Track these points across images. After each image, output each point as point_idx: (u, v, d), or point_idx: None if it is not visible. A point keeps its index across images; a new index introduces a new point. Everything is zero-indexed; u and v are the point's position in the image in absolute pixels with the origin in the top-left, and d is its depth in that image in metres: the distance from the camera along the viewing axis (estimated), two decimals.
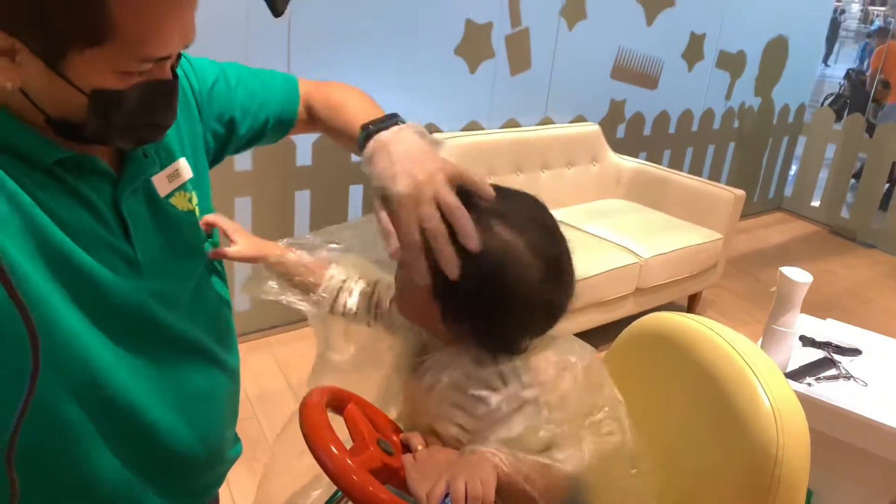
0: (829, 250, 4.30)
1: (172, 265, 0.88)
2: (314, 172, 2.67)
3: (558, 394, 0.85)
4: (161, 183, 0.88)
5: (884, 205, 4.44)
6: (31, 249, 0.72)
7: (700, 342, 1.01)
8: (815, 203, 4.82)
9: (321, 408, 0.87)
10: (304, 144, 2.61)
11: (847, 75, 6.35)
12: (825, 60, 6.30)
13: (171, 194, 0.89)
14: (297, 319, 2.80)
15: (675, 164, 4.06)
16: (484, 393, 0.84)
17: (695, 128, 4.11)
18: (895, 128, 4.32)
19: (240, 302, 2.66)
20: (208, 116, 0.96)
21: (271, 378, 2.48)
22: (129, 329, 0.83)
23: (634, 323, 1.10)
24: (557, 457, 0.81)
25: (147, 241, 0.85)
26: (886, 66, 4.64)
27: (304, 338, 2.73)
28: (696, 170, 4.20)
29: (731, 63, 4.14)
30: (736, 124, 4.34)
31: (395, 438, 0.93)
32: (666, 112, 3.91)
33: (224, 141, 0.99)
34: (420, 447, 0.88)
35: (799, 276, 1.49)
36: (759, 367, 0.95)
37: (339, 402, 0.90)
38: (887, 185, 4.41)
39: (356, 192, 2.79)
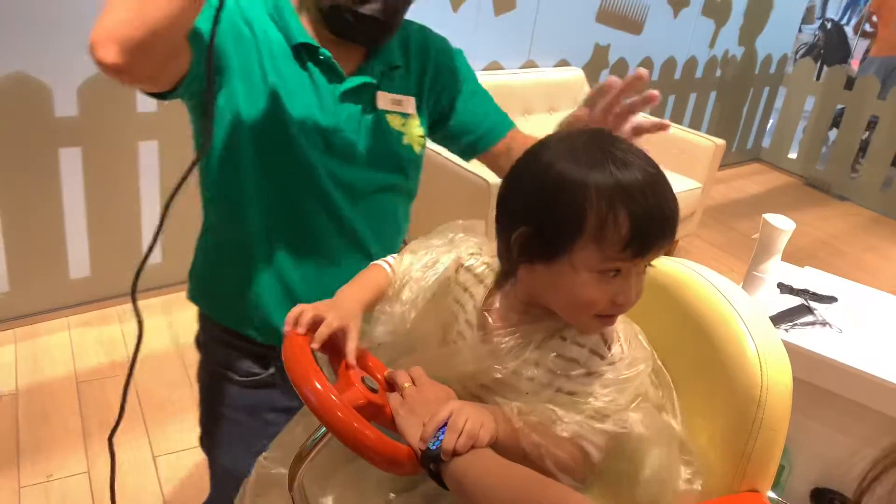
0: (804, 202, 4.34)
1: (363, 163, 1.05)
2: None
3: (627, 366, 0.84)
4: (384, 100, 1.06)
5: (858, 158, 4.48)
6: (249, 75, 0.98)
7: (686, 286, 1.01)
8: (793, 155, 4.85)
9: (304, 343, 0.85)
10: None
11: (822, 26, 6.29)
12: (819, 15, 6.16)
13: (389, 112, 1.06)
14: None
15: (657, 112, 4.03)
16: (577, 350, 0.83)
17: (677, 76, 4.07)
18: (874, 80, 4.32)
19: None
20: (439, 93, 1.15)
21: None
22: (297, 188, 1.03)
23: None
24: (599, 438, 0.80)
25: (348, 132, 1.03)
26: (882, 11, 4.58)
27: None
28: (677, 118, 4.18)
29: (717, 11, 4.09)
30: (718, 73, 4.31)
31: (378, 376, 0.91)
32: (650, 58, 3.86)
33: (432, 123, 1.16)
34: (407, 385, 0.87)
35: (781, 223, 1.49)
36: (745, 311, 0.94)
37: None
38: (865, 135, 4.43)
39: None
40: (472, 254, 0.94)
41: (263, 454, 0.98)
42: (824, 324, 1.57)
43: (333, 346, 0.89)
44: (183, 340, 2.30)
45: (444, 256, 0.95)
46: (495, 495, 0.67)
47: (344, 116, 1.04)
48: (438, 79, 1.15)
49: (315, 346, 0.86)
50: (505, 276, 0.89)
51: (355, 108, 1.05)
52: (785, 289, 1.70)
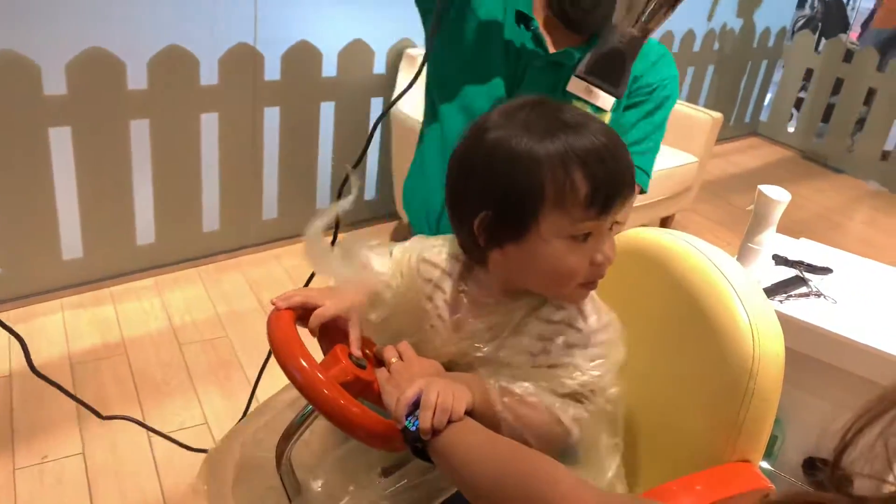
0: (801, 175, 4.32)
1: None
2: (283, 88, 2.57)
3: (606, 343, 0.84)
4: (576, 85, 1.08)
5: (855, 131, 4.45)
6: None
7: (680, 257, 1.00)
8: (791, 128, 4.81)
9: (290, 320, 0.84)
10: (272, 57, 2.50)
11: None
12: None
13: (576, 97, 1.09)
14: (268, 240, 2.75)
15: None
16: (574, 323, 0.83)
17: (675, 49, 4.03)
18: (873, 53, 4.28)
19: (208, 221, 2.60)
20: (636, 91, 1.21)
21: (242, 298, 2.45)
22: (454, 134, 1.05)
23: None
24: (578, 410, 0.80)
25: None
26: None
27: (275, 258, 2.69)
28: None
29: None
30: (716, 46, 4.26)
31: (367, 352, 0.90)
32: None
33: None
34: (394, 360, 0.86)
35: (777, 194, 1.47)
36: (738, 282, 0.94)
37: (308, 314, 0.87)
38: (864, 109, 4.40)
39: (327, 110, 2.70)
40: (433, 246, 0.94)
41: (249, 435, 0.97)
42: (819, 295, 1.57)
43: (327, 334, 0.88)
44: (177, 321, 2.29)
45: (397, 252, 0.95)
46: (482, 469, 0.67)
47: (528, 82, 1.16)
48: (636, 91, 1.21)
49: (312, 326, 0.85)
50: (475, 264, 0.88)
51: (545, 79, 1.16)
52: (780, 260, 1.69)
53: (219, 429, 1.87)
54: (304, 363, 0.78)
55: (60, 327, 2.18)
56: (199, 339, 2.22)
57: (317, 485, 0.89)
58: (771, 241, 1.60)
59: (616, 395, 0.83)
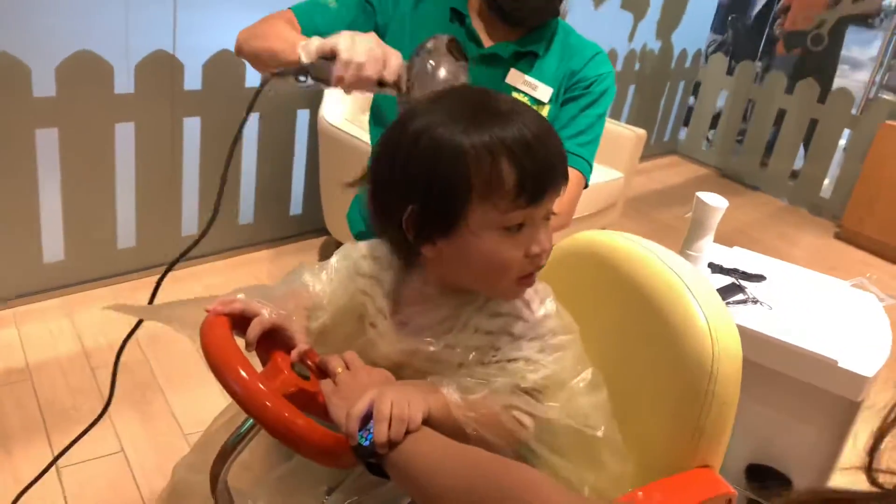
0: (719, 192, 4.41)
1: None
2: (204, 97, 2.45)
3: (559, 338, 0.80)
4: (515, 77, 1.13)
5: (768, 150, 4.64)
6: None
7: (631, 259, 0.97)
8: (707, 148, 4.99)
9: (226, 327, 0.76)
10: (193, 66, 2.38)
11: (731, 23, 6.49)
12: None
13: (516, 89, 1.13)
14: (187, 257, 2.60)
15: None
16: (521, 315, 0.80)
17: None
18: (781, 76, 4.49)
19: (123, 237, 2.44)
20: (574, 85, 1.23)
21: None
22: None
23: (561, 243, 1.05)
24: (537, 405, 0.76)
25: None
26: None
27: (195, 277, 2.55)
28: None
29: (636, 4, 4.15)
30: (637, 66, 4.38)
31: (310, 363, 0.83)
32: None
33: None
34: (340, 370, 0.79)
35: (715, 200, 1.48)
36: (693, 283, 0.91)
37: (245, 322, 0.80)
38: (773, 130, 4.60)
39: (252, 121, 2.60)
40: (367, 247, 0.89)
41: (181, 459, 0.88)
42: (756, 301, 1.58)
43: (264, 345, 0.80)
44: (89, 343, 2.12)
45: (332, 260, 0.90)
46: (449, 481, 0.60)
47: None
48: (573, 86, 1.23)
49: (252, 336, 0.77)
50: (408, 262, 0.83)
51: (482, 74, 1.15)
52: (716, 268, 1.71)
53: (136, 457, 1.73)
54: (244, 373, 0.70)
55: None
56: (113, 362, 2.06)
57: None
58: (709, 248, 1.62)
59: (590, 378, 0.80)
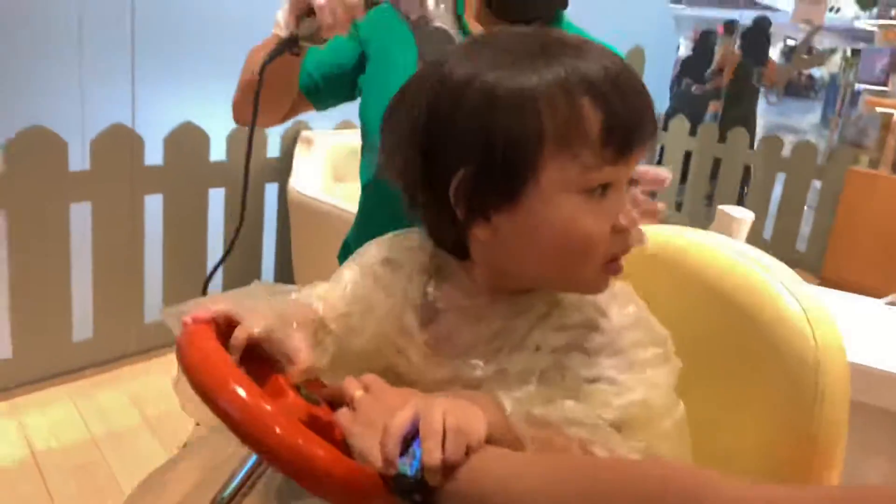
0: None
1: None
2: (166, 173, 2.30)
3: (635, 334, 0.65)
4: None
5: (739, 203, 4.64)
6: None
7: (697, 253, 0.82)
8: (676, 210, 4.98)
9: (211, 334, 0.58)
10: (154, 140, 2.24)
11: (675, 85, 6.66)
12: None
13: None
14: (152, 346, 2.38)
15: None
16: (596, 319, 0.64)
17: None
18: (743, 132, 4.54)
19: (79, 328, 2.22)
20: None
21: (122, 414, 2.06)
22: None
23: None
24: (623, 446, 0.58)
25: None
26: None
27: (161, 367, 2.32)
28: None
29: None
30: None
31: (316, 395, 0.65)
32: None
33: None
34: (359, 393, 0.60)
35: (738, 212, 1.37)
36: (776, 270, 0.77)
37: (230, 332, 0.62)
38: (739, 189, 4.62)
39: (217, 197, 2.44)
40: (381, 248, 0.73)
41: None
42: None
43: (257, 362, 0.63)
44: (40, 447, 1.87)
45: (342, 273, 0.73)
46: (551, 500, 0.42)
47: None
48: None
49: (236, 344, 0.60)
50: (453, 257, 0.67)
51: None
52: None
53: None
54: (241, 390, 0.52)
55: None
56: (68, 466, 1.81)
57: None
58: None
59: (679, 417, 0.62)
